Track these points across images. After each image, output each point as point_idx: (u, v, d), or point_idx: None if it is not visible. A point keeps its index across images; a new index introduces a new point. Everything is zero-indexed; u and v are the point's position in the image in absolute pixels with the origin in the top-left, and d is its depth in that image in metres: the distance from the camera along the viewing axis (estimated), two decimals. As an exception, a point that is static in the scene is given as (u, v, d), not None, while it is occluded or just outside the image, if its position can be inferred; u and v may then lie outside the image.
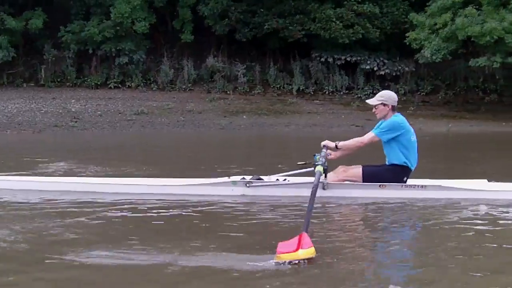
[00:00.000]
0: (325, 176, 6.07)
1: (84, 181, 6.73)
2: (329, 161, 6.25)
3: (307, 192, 5.72)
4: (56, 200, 6.05)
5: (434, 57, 22.64)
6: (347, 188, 6.22)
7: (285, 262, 3.86)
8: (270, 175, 6.58)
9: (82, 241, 4.36)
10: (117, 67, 23.35)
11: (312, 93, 24.28)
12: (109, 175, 7.93)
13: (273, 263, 3.86)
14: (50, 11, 23.44)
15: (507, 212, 5.66)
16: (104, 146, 15.05)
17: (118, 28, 22.77)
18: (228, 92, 23.61)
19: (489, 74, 25.24)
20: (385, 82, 25.05)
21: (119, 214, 5.35)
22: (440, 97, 25.14)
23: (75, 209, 5.59)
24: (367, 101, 6.60)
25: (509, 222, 5.30)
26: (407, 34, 23.32)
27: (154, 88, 23.64)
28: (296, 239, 4.06)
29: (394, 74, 24.79)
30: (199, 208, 5.56)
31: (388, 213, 5.62)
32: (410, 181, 6.33)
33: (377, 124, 6.45)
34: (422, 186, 6.18)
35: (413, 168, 6.29)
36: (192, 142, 16.19)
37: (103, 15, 23.21)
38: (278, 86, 24.26)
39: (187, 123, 20.64)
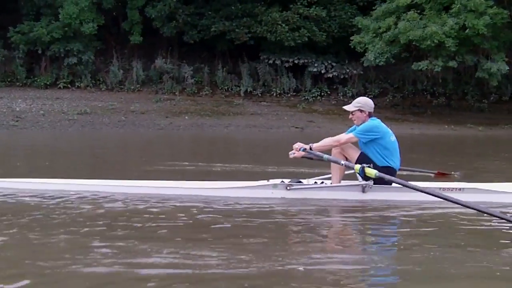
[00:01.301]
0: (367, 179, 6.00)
1: (139, 185, 6.47)
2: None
3: (344, 195, 6.05)
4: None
5: (377, 61, 22.98)
6: (387, 190, 6.13)
7: None
8: (308, 178, 6.58)
9: (130, 242, 4.20)
10: (66, 68, 23.64)
11: (260, 95, 24.57)
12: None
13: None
14: (1, 11, 23.73)
15: None
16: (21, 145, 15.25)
17: (66, 29, 23.07)
18: (176, 93, 23.89)
19: (438, 77, 25.57)
20: (333, 85, 25.40)
21: (163, 216, 5.20)
22: (388, 100, 25.44)
23: (123, 211, 5.41)
24: (344, 107, 6.53)
25: None
26: (351, 38, 23.64)
27: (103, 89, 23.94)
28: None
29: (342, 77, 25.10)
30: (241, 211, 5.51)
31: (428, 217, 5.53)
32: (447, 184, 6.36)
33: (353, 126, 6.38)
34: (459, 189, 6.16)
35: (397, 169, 6.27)
36: (111, 143, 16.35)
37: (53, 16, 23.49)
38: (226, 87, 24.56)
39: (127, 123, 20.92)
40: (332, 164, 6.20)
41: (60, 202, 5.63)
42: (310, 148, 6.11)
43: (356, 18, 23.88)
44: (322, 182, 6.44)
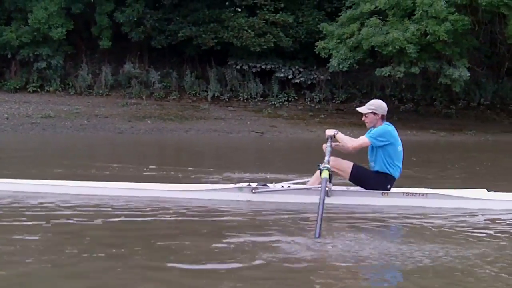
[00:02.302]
0: (330, 181, 6.03)
1: (87, 185, 6.64)
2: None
3: (310, 199, 6.05)
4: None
5: (341, 66, 23.18)
6: (351, 195, 6.29)
7: None
8: (275, 183, 6.69)
9: (85, 246, 4.35)
10: (35, 72, 24.01)
11: (227, 99, 24.83)
12: None
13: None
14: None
15: (505, 221, 5.75)
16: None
17: (35, 33, 23.43)
18: (143, 97, 24.20)
19: (405, 83, 25.76)
20: (301, 90, 25.62)
21: (128, 219, 5.34)
22: (355, 106, 25.51)
23: (82, 213, 5.54)
24: (357, 109, 6.60)
25: (508, 230, 5.33)
26: (316, 44, 23.85)
27: (71, 93, 24.29)
28: None
29: (309, 82, 25.31)
30: (206, 213, 5.66)
31: (391, 221, 5.69)
32: (411, 190, 6.44)
33: (368, 131, 6.44)
34: (423, 195, 6.29)
35: (396, 177, 6.36)
36: (53, 145, 16.68)
37: (23, 21, 23.87)
38: (194, 92, 24.84)
39: (89, 127, 21.22)
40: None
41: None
42: (334, 136, 6.31)
43: (321, 24, 24.09)
44: (289, 187, 6.52)
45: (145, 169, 9.61)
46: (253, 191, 6.25)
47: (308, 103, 25.25)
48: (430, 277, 3.81)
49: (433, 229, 5.29)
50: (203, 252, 4.23)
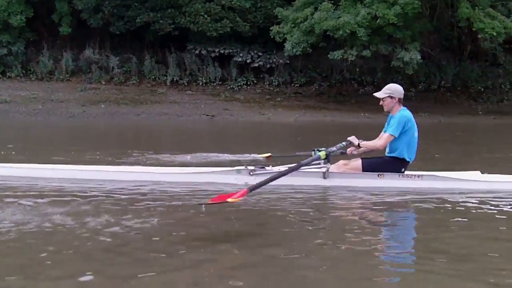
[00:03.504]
0: (329, 162, 6.30)
1: (81, 169, 6.76)
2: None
3: (308, 181, 6.31)
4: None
5: (294, 50, 23.39)
6: (347, 177, 6.38)
7: (212, 204, 4.54)
8: (273, 166, 6.75)
9: (86, 226, 4.45)
10: (-4, 58, 24.46)
11: (186, 84, 25.18)
12: None
13: (202, 208, 4.55)
14: None
15: (498, 202, 5.83)
16: None
17: (-5, 21, 23.86)
18: (103, 82, 24.60)
19: (368, 67, 25.94)
20: (260, 74, 25.89)
21: (128, 202, 5.45)
22: (314, 89, 25.86)
23: (72, 197, 5.61)
24: (374, 94, 6.64)
25: (499, 211, 5.44)
26: (271, 28, 24.08)
27: (33, 79, 24.73)
28: (237, 193, 4.67)
29: (268, 66, 25.55)
30: (206, 195, 5.75)
31: (386, 202, 5.83)
32: (406, 172, 6.53)
33: (387, 122, 6.56)
34: (418, 176, 6.40)
35: (411, 161, 6.50)
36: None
37: (-16, 9, 24.27)
38: (153, 77, 25.20)
39: (42, 112, 21.68)
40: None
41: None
42: (359, 145, 6.41)
43: (277, 9, 24.30)
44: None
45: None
46: (251, 173, 6.39)
47: (267, 86, 25.53)
48: (425, 254, 4.00)
49: (426, 209, 5.45)
50: (212, 235, 4.41)
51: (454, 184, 6.42)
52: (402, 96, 6.49)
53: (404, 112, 6.43)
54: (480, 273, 3.64)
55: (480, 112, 25.07)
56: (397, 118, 6.38)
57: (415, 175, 6.43)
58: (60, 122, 20.26)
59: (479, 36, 22.54)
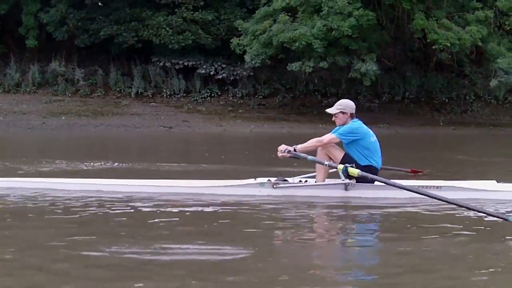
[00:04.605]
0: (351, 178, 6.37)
1: (105, 183, 6.88)
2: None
3: (329, 193, 6.44)
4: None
5: (253, 62, 23.73)
6: (369, 188, 6.44)
7: None
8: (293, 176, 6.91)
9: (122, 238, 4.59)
10: (-36, 71, 25.00)
11: (151, 96, 25.57)
12: None
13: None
14: None
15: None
16: None
17: (-38, 34, 24.42)
18: (69, 95, 25.05)
19: (332, 78, 26.22)
20: (224, 86, 26.22)
21: (155, 214, 5.58)
22: (277, 100, 26.14)
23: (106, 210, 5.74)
24: (326, 110, 6.85)
25: None
26: (231, 40, 24.44)
27: (0, 91, 25.20)
28: None
29: (232, 78, 25.89)
30: (229, 208, 5.92)
31: (408, 212, 5.91)
32: (425, 182, 6.68)
33: (336, 128, 6.74)
34: (437, 187, 6.46)
35: (379, 167, 6.60)
36: None
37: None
38: (118, 89, 25.62)
39: (2, 123, 22.12)
40: (316, 164, 6.61)
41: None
42: (294, 150, 6.46)
43: (237, 21, 24.67)
44: (307, 181, 6.80)
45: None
46: (274, 186, 6.51)
47: (231, 98, 25.86)
48: (443, 265, 4.00)
49: (445, 219, 5.54)
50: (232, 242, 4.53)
51: (471, 194, 6.49)
52: (353, 111, 6.69)
53: (354, 123, 6.64)
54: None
55: (441, 123, 25.23)
56: (346, 126, 6.62)
57: (434, 186, 6.51)
58: (17, 134, 20.67)
59: (434, 47, 22.71)
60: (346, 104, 6.72)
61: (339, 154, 6.60)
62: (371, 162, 6.57)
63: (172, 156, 13.30)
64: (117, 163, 9.78)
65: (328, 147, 6.62)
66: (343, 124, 6.64)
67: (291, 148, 6.47)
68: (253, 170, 9.11)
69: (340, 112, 6.66)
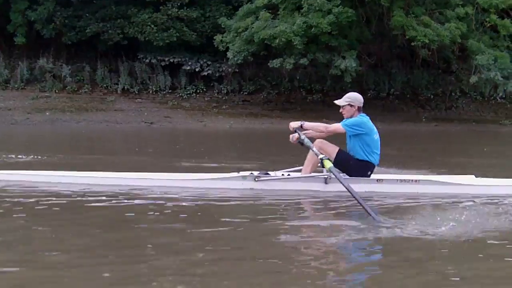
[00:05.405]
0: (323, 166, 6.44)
1: (90, 175, 7.00)
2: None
3: (310, 186, 6.61)
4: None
5: (235, 59, 23.99)
6: (348, 182, 6.35)
7: None
8: (276, 170, 7.07)
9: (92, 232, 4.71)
10: (-47, 68, 25.52)
11: (137, 92, 25.94)
12: None
13: None
14: None
15: (493, 205, 6.01)
16: None
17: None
18: (57, 91, 25.50)
19: (318, 75, 26.39)
20: (210, 82, 26.52)
21: (139, 207, 5.66)
22: (262, 97, 26.39)
23: (85, 203, 5.91)
24: (335, 101, 6.93)
25: (495, 214, 5.57)
26: (214, 37, 24.72)
27: (-11, 88, 25.71)
28: None
29: (218, 74, 26.19)
30: (213, 200, 6.05)
31: (384, 206, 6.03)
32: (404, 176, 6.87)
33: (343, 120, 6.83)
34: (415, 181, 6.66)
35: (376, 164, 6.74)
36: None
37: None
38: (105, 85, 26.02)
39: (-14, 119, 22.59)
40: (308, 155, 6.76)
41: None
42: (301, 126, 6.65)
43: (221, 18, 24.94)
44: (289, 174, 6.95)
45: None
46: (256, 179, 6.65)
47: (216, 94, 26.16)
48: (417, 256, 4.20)
49: (423, 212, 5.63)
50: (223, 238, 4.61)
51: (450, 188, 6.64)
52: (361, 105, 6.80)
53: (361, 117, 6.75)
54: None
55: (424, 119, 25.33)
56: (353, 119, 6.71)
57: (412, 180, 6.71)
58: (0, 128, 21.08)
59: (412, 43, 22.81)
60: (354, 97, 6.82)
61: (332, 152, 6.70)
62: (369, 158, 6.71)
63: (133, 150, 13.57)
64: (61, 155, 10.01)
65: (323, 144, 6.71)
66: (350, 117, 6.75)
67: (298, 124, 6.66)
68: (212, 165, 9.43)
69: (348, 104, 6.76)
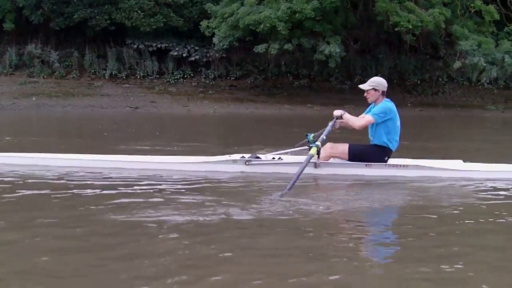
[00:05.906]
0: (319, 157, 6.67)
1: (87, 158, 7.00)
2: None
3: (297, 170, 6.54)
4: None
5: (221, 44, 24.12)
6: (337, 166, 6.79)
7: None
8: (266, 153, 7.22)
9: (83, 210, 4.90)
10: None
11: (125, 77, 26.12)
12: None
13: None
14: None
15: (480, 190, 6.24)
16: None
17: None
18: (45, 76, 25.71)
19: (305, 60, 26.50)
20: (197, 68, 26.68)
21: (127, 190, 5.76)
22: (249, 82, 26.54)
23: (68, 184, 6.02)
24: (360, 86, 7.07)
25: (481, 198, 5.82)
26: (200, 23, 24.84)
27: (-22, 73, 25.93)
28: None
29: (205, 60, 26.34)
30: (205, 183, 6.20)
31: (373, 189, 6.19)
32: (392, 161, 6.94)
33: (369, 108, 7.01)
34: (403, 166, 6.81)
35: (394, 150, 6.89)
36: None
37: None
38: (93, 71, 26.20)
39: (-27, 104, 22.84)
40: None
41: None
42: (341, 116, 6.91)
43: (207, 4, 25.05)
44: (280, 158, 7.11)
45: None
46: (247, 163, 6.81)
47: (203, 80, 26.32)
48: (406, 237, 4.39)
49: (408, 198, 5.84)
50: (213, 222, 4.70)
51: (438, 173, 6.80)
52: (385, 89, 6.94)
53: (387, 103, 6.89)
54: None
55: (409, 104, 25.43)
56: (380, 106, 6.85)
57: (400, 165, 6.86)
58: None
59: (396, 29, 22.89)
60: (378, 82, 6.96)
61: (344, 149, 6.90)
62: (387, 145, 6.86)
63: (112, 134, 13.77)
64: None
65: (333, 149, 6.94)
66: (374, 101, 6.92)
67: (340, 113, 6.92)
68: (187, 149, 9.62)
69: (373, 89, 6.90)
